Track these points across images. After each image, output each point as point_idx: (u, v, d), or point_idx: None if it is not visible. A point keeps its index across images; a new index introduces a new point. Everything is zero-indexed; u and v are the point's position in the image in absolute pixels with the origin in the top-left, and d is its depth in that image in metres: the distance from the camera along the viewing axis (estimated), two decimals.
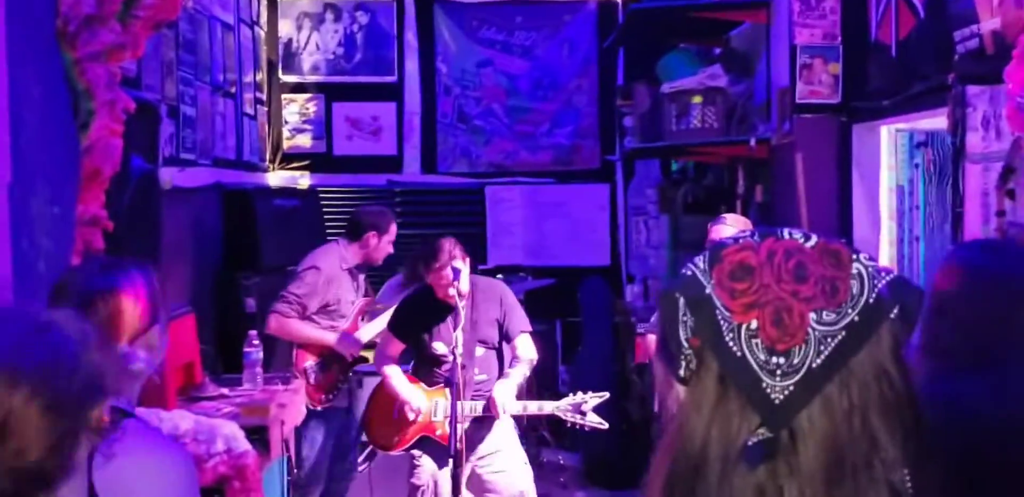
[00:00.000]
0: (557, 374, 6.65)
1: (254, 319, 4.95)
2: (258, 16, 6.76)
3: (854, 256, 0.92)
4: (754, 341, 0.89)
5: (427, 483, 4.06)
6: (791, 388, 0.89)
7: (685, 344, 0.92)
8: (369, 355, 5.35)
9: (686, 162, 6.56)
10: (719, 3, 4.99)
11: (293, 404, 4.02)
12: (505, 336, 4.14)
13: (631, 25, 5.79)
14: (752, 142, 4.66)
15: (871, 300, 0.90)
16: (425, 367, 4.19)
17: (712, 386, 0.91)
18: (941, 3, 3.22)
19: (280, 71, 7.09)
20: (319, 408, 4.57)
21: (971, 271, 1.70)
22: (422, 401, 4.13)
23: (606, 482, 5.75)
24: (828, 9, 4.23)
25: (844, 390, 0.90)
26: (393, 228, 4.80)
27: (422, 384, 4.20)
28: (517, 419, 4.46)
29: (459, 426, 3.85)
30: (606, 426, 4.08)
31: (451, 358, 3.95)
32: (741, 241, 0.93)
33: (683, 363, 0.93)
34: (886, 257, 4.00)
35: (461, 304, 3.99)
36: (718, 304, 0.91)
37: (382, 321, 4.68)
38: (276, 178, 6.89)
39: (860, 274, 0.91)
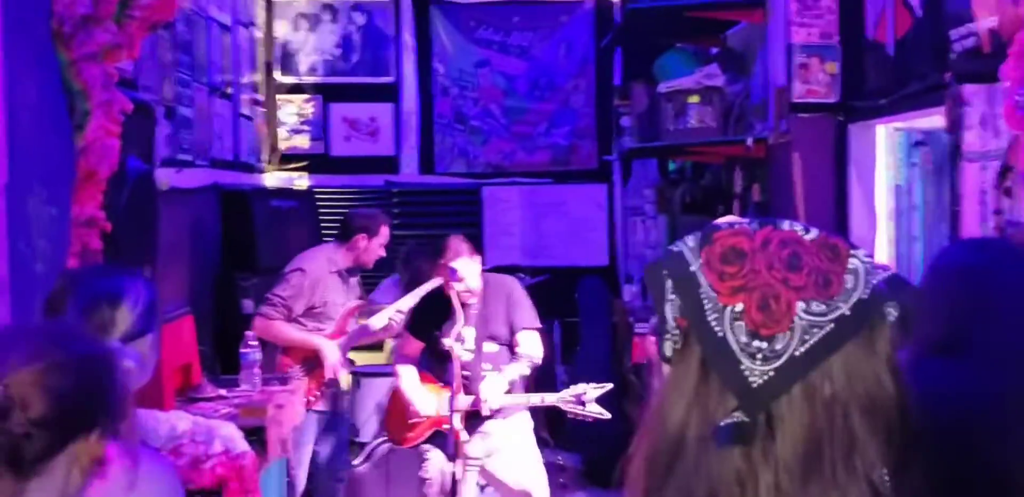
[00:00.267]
0: (555, 374, 6.64)
1: (252, 320, 4.95)
2: (255, 17, 6.76)
3: (852, 252, 0.92)
4: (737, 323, 0.89)
5: (435, 477, 4.12)
6: (770, 373, 0.88)
7: (672, 323, 0.92)
8: (355, 357, 5.35)
9: (683, 162, 6.56)
10: (715, 3, 4.99)
11: (291, 405, 4.02)
12: (511, 332, 4.17)
13: (628, 25, 5.80)
14: (749, 141, 4.66)
15: (865, 296, 0.90)
16: (438, 363, 4.24)
17: (695, 367, 0.91)
18: (938, 2, 3.22)
19: (277, 72, 7.09)
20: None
21: (954, 266, 1.74)
22: (430, 399, 4.17)
23: (605, 482, 5.75)
24: (825, 8, 4.23)
25: (827, 382, 0.89)
26: (384, 231, 4.76)
27: (436, 382, 4.28)
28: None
29: (456, 417, 3.92)
30: (608, 416, 4.08)
31: (461, 354, 4.01)
32: (737, 227, 0.93)
33: (669, 342, 0.93)
34: (884, 256, 4.00)
35: (472, 301, 4.07)
36: (703, 283, 0.90)
37: (375, 322, 4.68)
38: (273, 179, 6.88)
39: (856, 269, 0.91)
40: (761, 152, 4.73)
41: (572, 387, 4.13)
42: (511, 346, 4.19)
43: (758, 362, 0.88)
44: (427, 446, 4.21)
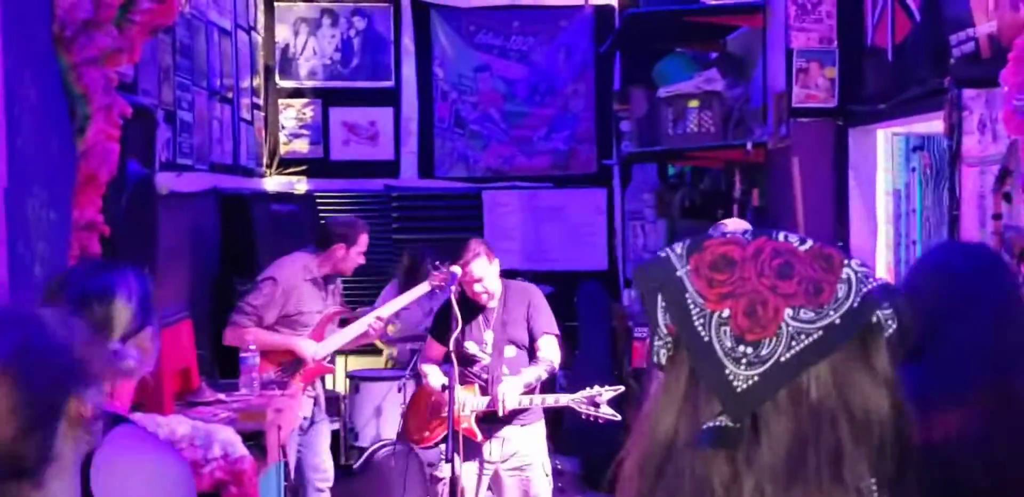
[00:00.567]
0: (555, 378, 6.64)
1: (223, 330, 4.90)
2: (255, 21, 6.77)
3: (846, 262, 0.92)
4: (723, 328, 0.89)
5: (448, 477, 4.16)
6: (755, 378, 0.88)
7: (664, 329, 0.92)
8: (354, 362, 5.33)
9: (683, 166, 6.56)
10: (715, 7, 5.00)
11: (290, 409, 4.01)
12: (530, 337, 4.26)
13: (627, 30, 5.80)
14: (748, 146, 4.66)
15: (855, 305, 0.90)
16: (459, 366, 4.30)
17: (685, 372, 0.91)
18: (937, 7, 3.23)
19: (277, 76, 7.10)
20: None
21: (937, 269, 1.81)
22: (457, 397, 4.23)
23: (604, 487, 5.75)
24: (824, 13, 4.24)
25: (815, 390, 0.89)
26: (363, 239, 4.69)
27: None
28: None
29: (468, 417, 4.10)
30: (619, 418, 4.14)
31: (481, 357, 4.15)
32: (730, 236, 0.93)
33: (662, 349, 0.93)
34: (883, 261, 4.00)
35: (492, 304, 4.20)
36: (690, 289, 0.90)
37: (354, 329, 4.69)
38: (273, 183, 6.89)
39: (849, 279, 0.90)
40: (760, 156, 4.73)
41: (586, 390, 4.20)
42: (530, 351, 4.27)
43: (743, 367, 0.89)
44: (444, 447, 4.26)
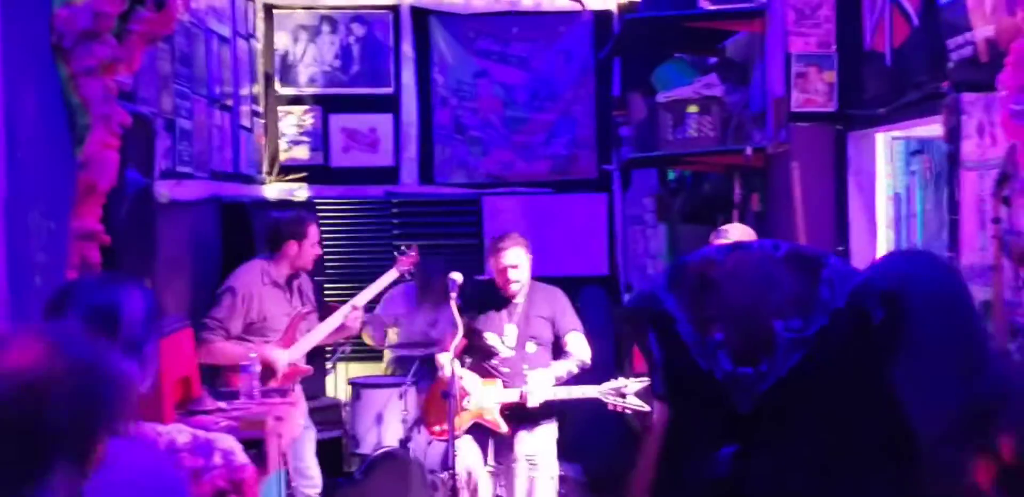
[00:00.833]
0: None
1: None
2: (254, 29, 6.77)
3: (823, 261, 0.91)
4: (719, 353, 0.88)
5: (461, 472, 4.22)
6: (761, 397, 0.88)
7: (660, 361, 0.92)
8: (355, 368, 5.32)
9: (683, 171, 6.56)
10: (714, 13, 5.00)
11: (290, 417, 4.01)
12: (557, 335, 4.42)
13: (626, 35, 5.80)
14: (748, 151, 4.66)
15: (841, 304, 0.89)
16: (478, 359, 4.35)
17: (683, 402, 0.91)
18: (935, 11, 3.23)
19: (277, 83, 7.10)
20: None
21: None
22: (476, 385, 4.36)
23: (608, 493, 5.74)
24: (822, 18, 4.24)
25: (821, 398, 0.89)
26: (312, 231, 4.68)
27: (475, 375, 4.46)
28: None
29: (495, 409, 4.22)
30: (647, 409, 4.20)
31: (500, 349, 4.32)
32: (703, 257, 0.93)
33: (659, 379, 0.93)
34: None
35: (519, 300, 4.38)
36: (680, 319, 0.90)
37: (329, 323, 4.70)
38: (273, 190, 6.89)
39: (830, 280, 0.90)
40: (760, 161, 4.73)
41: (612, 381, 4.33)
42: (553, 348, 4.41)
43: (746, 388, 0.88)
44: (465, 440, 4.33)
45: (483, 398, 4.31)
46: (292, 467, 4.59)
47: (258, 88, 6.82)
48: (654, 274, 0.98)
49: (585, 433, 5.13)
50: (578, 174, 7.23)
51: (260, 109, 6.85)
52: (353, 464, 5.53)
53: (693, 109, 5.05)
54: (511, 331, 4.31)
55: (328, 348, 5.61)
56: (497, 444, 4.39)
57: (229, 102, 5.97)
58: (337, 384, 6.18)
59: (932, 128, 3.35)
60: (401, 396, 5.14)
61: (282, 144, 7.09)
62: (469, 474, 4.30)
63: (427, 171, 7.20)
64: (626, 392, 4.23)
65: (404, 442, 5.06)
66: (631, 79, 6.67)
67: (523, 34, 7.17)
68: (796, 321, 0.88)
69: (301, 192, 6.96)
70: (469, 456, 4.31)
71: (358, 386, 5.52)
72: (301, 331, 4.69)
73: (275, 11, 7.08)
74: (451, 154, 7.22)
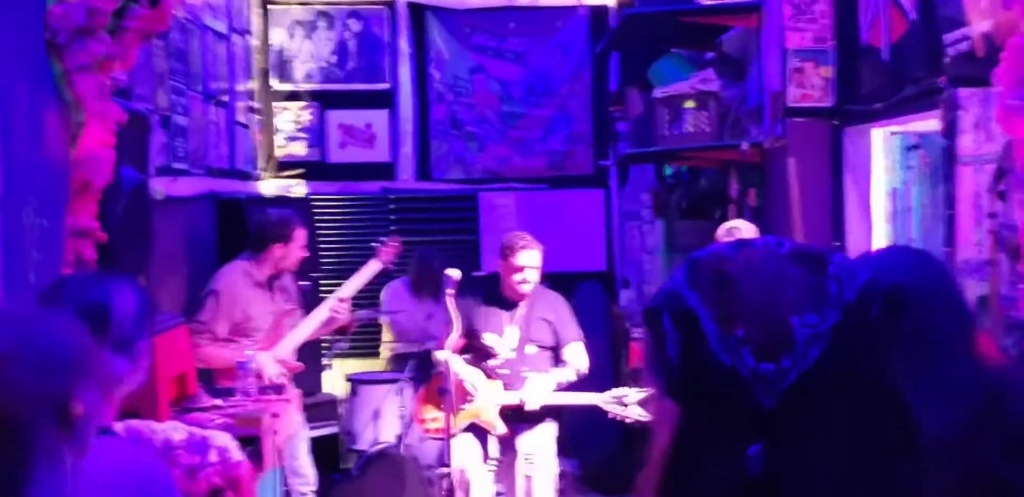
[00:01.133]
0: None
1: None
2: (250, 24, 6.76)
3: (828, 257, 0.92)
4: (742, 350, 0.89)
5: (455, 470, 4.24)
6: (784, 393, 0.88)
7: (676, 360, 0.92)
8: (354, 364, 5.32)
9: (679, 167, 6.56)
10: (710, 8, 4.99)
11: (287, 414, 4.01)
12: (558, 343, 4.41)
13: (623, 30, 5.79)
14: (744, 146, 4.66)
15: (851, 299, 0.90)
16: (476, 359, 4.40)
17: (701, 400, 0.91)
18: (931, 6, 3.23)
19: (273, 79, 7.09)
20: None
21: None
22: (480, 381, 4.36)
23: (604, 488, 5.74)
24: (819, 13, 4.23)
25: (842, 391, 0.89)
26: (299, 234, 4.60)
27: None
28: None
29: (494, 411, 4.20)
30: (648, 418, 4.19)
31: (499, 351, 4.29)
32: (717, 253, 0.93)
33: (672, 378, 0.93)
34: None
35: (521, 302, 4.34)
36: (703, 316, 0.90)
37: (316, 316, 4.69)
38: (270, 187, 6.88)
39: (838, 276, 0.91)
40: (757, 157, 4.73)
41: (614, 390, 4.32)
42: (554, 353, 4.40)
43: (770, 384, 0.89)
44: (462, 437, 4.34)
45: (483, 399, 4.31)
46: (286, 466, 4.58)
47: (254, 84, 6.81)
48: (673, 271, 0.99)
49: (582, 429, 5.14)
50: (575, 170, 7.22)
51: (256, 105, 6.84)
52: (350, 460, 5.53)
53: (690, 104, 5.05)
54: (512, 332, 4.28)
55: (324, 344, 5.60)
56: (498, 441, 4.39)
57: (225, 98, 5.97)
58: (334, 380, 6.17)
59: (929, 123, 3.34)
60: (398, 392, 5.14)
61: (278, 140, 7.08)
62: (462, 472, 4.30)
63: (424, 167, 7.19)
64: (627, 401, 4.23)
65: (401, 438, 5.06)
66: (628, 74, 6.66)
67: (519, 29, 7.16)
68: (812, 316, 0.89)
69: (298, 188, 6.95)
70: (465, 453, 4.31)
71: (355, 382, 5.52)
72: (286, 328, 4.67)
73: (271, 7, 7.06)
74: (448, 150, 7.21)
